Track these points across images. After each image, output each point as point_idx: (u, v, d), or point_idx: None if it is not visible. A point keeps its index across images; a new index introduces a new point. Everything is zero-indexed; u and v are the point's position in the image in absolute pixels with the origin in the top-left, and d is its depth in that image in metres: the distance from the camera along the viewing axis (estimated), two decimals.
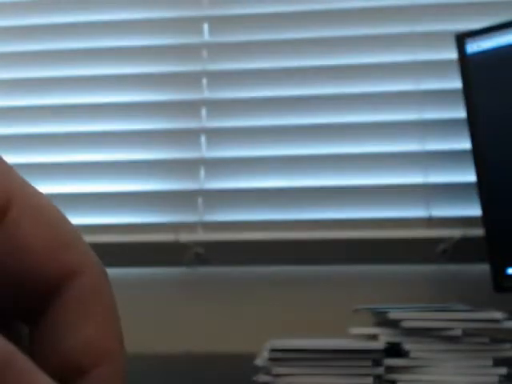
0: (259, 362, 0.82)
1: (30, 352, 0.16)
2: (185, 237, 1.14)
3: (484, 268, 0.99)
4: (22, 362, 0.13)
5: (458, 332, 0.81)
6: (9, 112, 1.29)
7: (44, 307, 0.15)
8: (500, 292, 0.94)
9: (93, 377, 0.15)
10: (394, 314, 0.83)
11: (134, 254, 1.16)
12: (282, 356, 0.79)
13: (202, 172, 1.22)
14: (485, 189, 0.97)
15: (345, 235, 1.11)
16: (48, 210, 0.16)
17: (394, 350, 0.83)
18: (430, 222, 1.13)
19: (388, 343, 0.81)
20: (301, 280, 1.18)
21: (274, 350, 0.79)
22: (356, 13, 1.27)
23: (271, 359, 0.79)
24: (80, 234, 0.16)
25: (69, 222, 0.16)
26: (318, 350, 0.79)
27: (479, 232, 0.98)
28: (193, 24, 1.31)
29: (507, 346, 0.82)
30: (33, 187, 0.16)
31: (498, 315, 0.81)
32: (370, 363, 0.80)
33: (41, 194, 0.16)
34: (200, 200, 1.20)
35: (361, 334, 0.86)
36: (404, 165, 1.18)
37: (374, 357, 0.80)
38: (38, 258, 0.15)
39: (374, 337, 0.85)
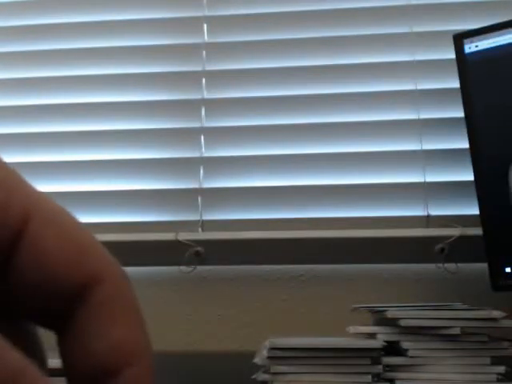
0: (258, 360, 0.82)
1: (60, 355, 0.16)
2: (184, 236, 1.14)
3: (482, 267, 0.99)
4: (34, 375, 0.14)
5: (457, 331, 0.82)
6: (9, 112, 1.29)
7: (70, 313, 0.16)
8: (498, 291, 0.94)
9: (124, 377, 0.16)
10: (392, 313, 0.83)
11: (134, 253, 1.16)
12: (281, 354, 0.79)
13: (202, 171, 1.22)
14: (483, 188, 0.97)
15: (343, 234, 1.12)
16: (65, 218, 0.16)
17: (393, 349, 0.83)
18: (428, 220, 1.14)
19: (386, 342, 0.82)
20: (300, 279, 1.19)
21: (273, 349, 0.79)
22: (355, 13, 1.27)
23: (270, 357, 0.79)
24: (96, 238, 0.17)
25: (84, 228, 0.17)
26: (317, 348, 0.80)
27: (477, 231, 0.99)
28: (192, 24, 1.31)
29: (505, 344, 0.82)
30: (47, 196, 0.16)
31: (496, 314, 0.82)
32: (368, 361, 0.80)
33: (55, 202, 0.17)
34: (199, 199, 1.20)
35: (359, 333, 0.87)
36: (402, 164, 1.18)
37: (373, 355, 0.80)
38: (62, 267, 0.16)
39: (372, 335, 0.86)
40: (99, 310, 0.16)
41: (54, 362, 0.17)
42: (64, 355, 0.16)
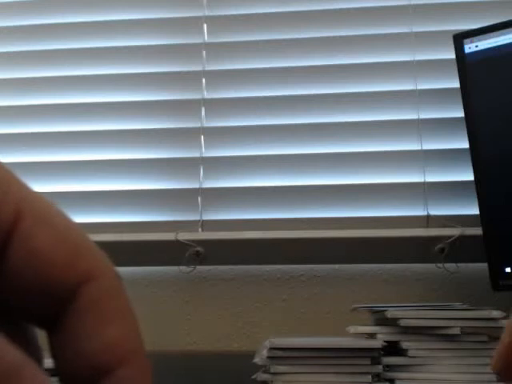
0: (258, 360, 0.82)
1: (51, 355, 0.16)
2: (184, 235, 1.14)
3: (482, 267, 0.99)
4: (33, 371, 0.14)
5: (456, 330, 0.82)
6: (9, 112, 1.29)
7: (62, 312, 0.16)
8: (498, 291, 0.94)
9: (117, 377, 0.15)
10: (392, 313, 0.83)
11: (134, 253, 1.16)
12: (281, 354, 0.79)
13: (202, 171, 1.22)
14: (483, 188, 0.97)
15: (343, 234, 1.12)
16: (58, 217, 0.16)
17: (393, 349, 0.83)
18: (428, 220, 1.14)
19: (386, 342, 0.82)
20: (300, 279, 1.18)
21: (273, 349, 0.79)
22: (355, 13, 1.27)
23: (270, 357, 0.79)
24: (89, 238, 0.17)
25: (78, 227, 0.17)
26: (317, 348, 0.80)
27: (477, 231, 0.99)
28: (192, 24, 1.32)
29: None
30: (40, 195, 0.16)
31: (495, 314, 0.82)
32: (368, 361, 0.80)
33: (48, 201, 0.16)
34: (199, 199, 1.20)
35: (359, 333, 0.87)
36: (402, 164, 1.18)
37: (373, 355, 0.80)
38: (54, 266, 0.16)
39: (372, 335, 0.86)
40: (90, 310, 0.16)
41: (49, 362, 0.17)
42: (55, 355, 0.16)
